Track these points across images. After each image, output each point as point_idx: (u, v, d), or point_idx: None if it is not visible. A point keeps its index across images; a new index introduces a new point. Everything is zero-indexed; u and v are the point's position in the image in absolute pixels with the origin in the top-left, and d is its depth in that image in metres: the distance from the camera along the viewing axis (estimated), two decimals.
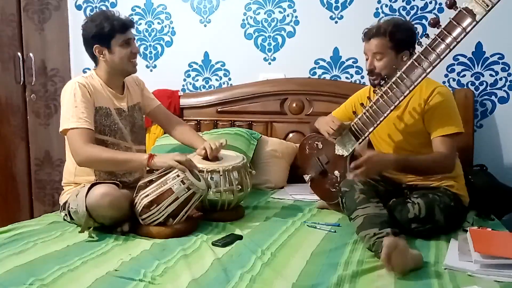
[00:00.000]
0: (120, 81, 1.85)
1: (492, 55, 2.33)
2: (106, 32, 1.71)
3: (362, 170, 1.53)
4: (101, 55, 1.76)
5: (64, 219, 1.76)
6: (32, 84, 2.67)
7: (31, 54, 2.64)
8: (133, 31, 1.84)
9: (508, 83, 2.33)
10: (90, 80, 1.77)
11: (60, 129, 1.71)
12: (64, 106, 1.71)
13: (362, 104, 1.77)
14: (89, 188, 1.61)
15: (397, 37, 1.70)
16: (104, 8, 2.83)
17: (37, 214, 2.57)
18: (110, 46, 1.74)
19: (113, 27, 1.72)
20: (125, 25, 1.76)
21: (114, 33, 1.72)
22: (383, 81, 1.69)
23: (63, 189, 1.82)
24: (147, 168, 1.89)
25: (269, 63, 2.63)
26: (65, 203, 1.73)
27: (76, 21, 2.84)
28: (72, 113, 1.67)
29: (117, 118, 1.79)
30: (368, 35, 1.76)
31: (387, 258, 1.26)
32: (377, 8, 2.44)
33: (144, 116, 1.98)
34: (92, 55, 1.78)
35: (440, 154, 1.65)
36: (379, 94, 1.68)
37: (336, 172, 1.86)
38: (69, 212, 1.68)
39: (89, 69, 2.89)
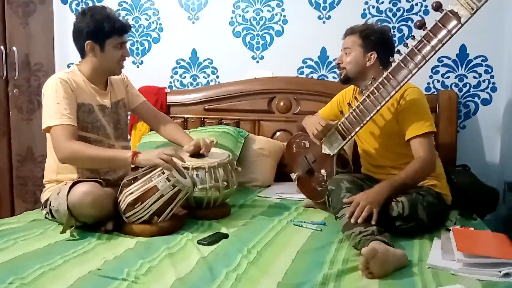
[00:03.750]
0: (103, 79, 1.82)
1: (475, 58, 2.37)
2: (104, 32, 1.69)
3: (364, 211, 1.49)
4: (92, 52, 1.73)
5: (46, 217, 1.73)
6: (15, 78, 2.61)
7: (14, 48, 2.59)
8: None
9: (490, 85, 2.37)
10: (72, 75, 1.73)
11: (43, 127, 1.67)
12: (46, 102, 1.67)
13: (349, 104, 1.78)
14: (71, 186, 1.57)
15: (367, 36, 1.79)
16: (90, 3, 2.78)
17: (18, 211, 2.52)
18: (104, 46, 1.71)
19: (113, 28, 1.70)
20: (125, 29, 1.75)
21: (112, 34, 1.70)
22: (370, 82, 1.71)
23: (45, 187, 1.78)
24: (132, 166, 1.87)
25: (257, 61, 2.63)
26: (46, 201, 1.70)
27: (61, 15, 2.79)
28: (55, 109, 1.63)
29: (100, 114, 1.76)
30: (345, 34, 1.86)
31: (365, 267, 1.26)
32: (364, 9, 2.46)
33: (129, 113, 1.95)
34: (81, 49, 1.75)
35: (419, 161, 1.66)
36: (366, 94, 1.70)
37: (323, 171, 1.86)
38: (50, 210, 1.65)
39: (73, 63, 2.85)
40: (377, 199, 1.55)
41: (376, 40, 1.79)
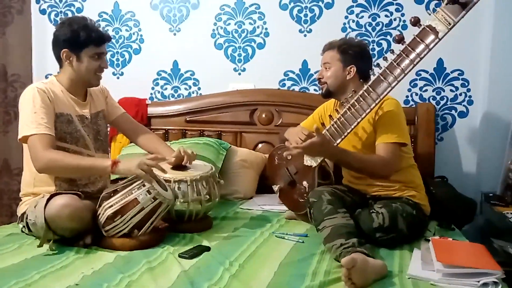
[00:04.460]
0: (82, 89, 1.80)
1: (452, 71, 2.44)
2: (80, 40, 1.67)
3: (302, 147, 1.63)
4: (68, 61, 1.71)
5: (22, 231, 1.68)
6: None
7: None
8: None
9: (467, 98, 2.44)
10: (50, 86, 1.70)
11: (19, 137, 1.63)
12: (22, 112, 1.64)
13: (330, 116, 1.81)
14: (49, 199, 1.53)
15: (345, 51, 1.85)
16: (69, 13, 2.75)
17: None
18: (80, 55, 1.70)
19: (89, 37, 1.68)
20: (102, 39, 1.73)
21: (88, 43, 1.69)
22: (349, 94, 1.74)
23: (21, 200, 1.73)
24: (111, 179, 1.83)
25: (239, 74, 2.64)
26: (23, 214, 1.65)
27: (39, 25, 2.76)
28: (32, 119, 1.60)
29: (79, 125, 1.73)
30: (323, 49, 1.92)
31: (347, 278, 1.27)
32: (344, 23, 2.51)
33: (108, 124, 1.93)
34: (58, 57, 1.73)
35: (378, 158, 1.72)
36: (347, 107, 1.72)
37: (305, 183, 1.87)
38: (27, 223, 1.61)
39: (51, 74, 2.80)
40: (316, 153, 1.71)
41: (355, 54, 1.84)
